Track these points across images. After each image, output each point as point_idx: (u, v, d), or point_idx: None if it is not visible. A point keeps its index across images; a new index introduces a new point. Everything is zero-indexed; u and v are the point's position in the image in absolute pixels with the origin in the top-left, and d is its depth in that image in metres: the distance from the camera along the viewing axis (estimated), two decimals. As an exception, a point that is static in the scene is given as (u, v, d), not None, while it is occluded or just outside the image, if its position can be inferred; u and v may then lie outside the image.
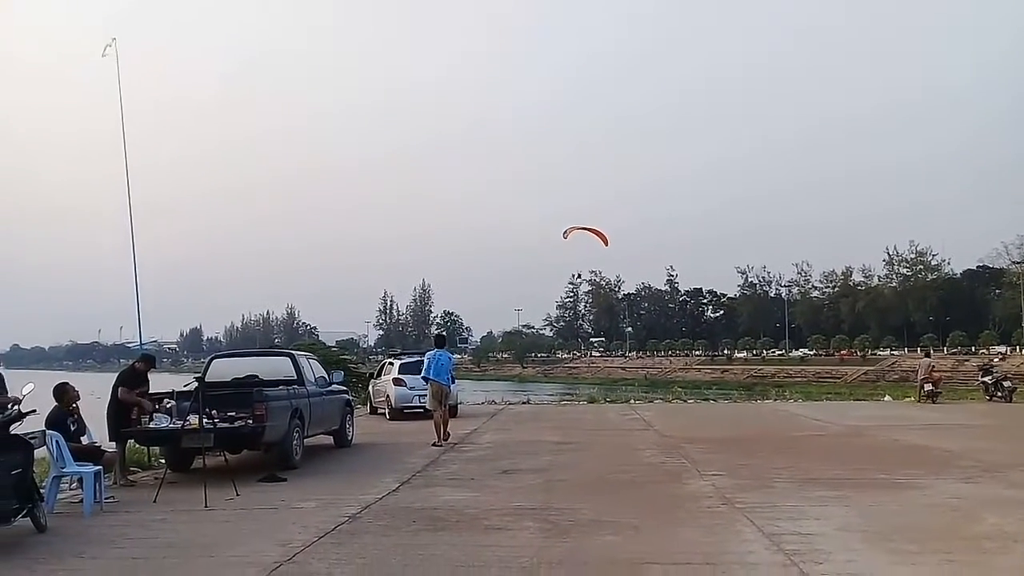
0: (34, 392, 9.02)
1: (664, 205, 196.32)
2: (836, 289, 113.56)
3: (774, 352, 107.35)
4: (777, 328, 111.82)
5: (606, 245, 26.70)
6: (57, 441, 9.08)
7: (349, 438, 15.00)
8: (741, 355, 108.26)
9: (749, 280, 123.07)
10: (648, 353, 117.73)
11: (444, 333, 20.10)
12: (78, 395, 10.28)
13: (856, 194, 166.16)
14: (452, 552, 6.73)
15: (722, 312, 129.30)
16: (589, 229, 26.14)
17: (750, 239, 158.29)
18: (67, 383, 10.33)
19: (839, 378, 79.25)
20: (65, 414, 9.87)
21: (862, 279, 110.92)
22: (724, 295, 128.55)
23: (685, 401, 30.44)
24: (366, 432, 16.87)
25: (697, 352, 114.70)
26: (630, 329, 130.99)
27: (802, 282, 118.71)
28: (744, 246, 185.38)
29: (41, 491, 8.33)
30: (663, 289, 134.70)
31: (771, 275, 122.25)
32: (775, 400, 29.85)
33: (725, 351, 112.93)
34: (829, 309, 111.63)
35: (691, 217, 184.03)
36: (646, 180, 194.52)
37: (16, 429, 8.07)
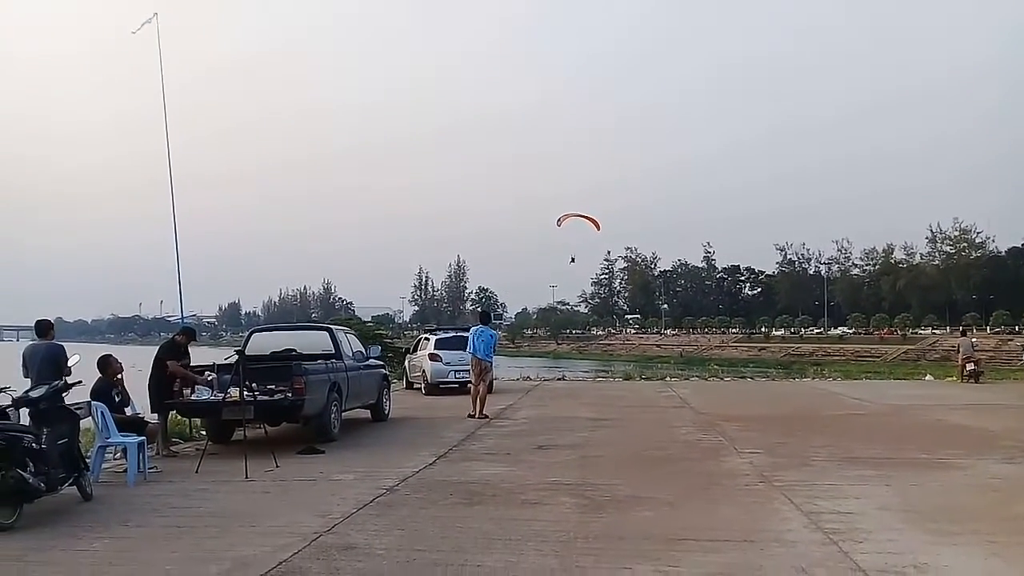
0: (79, 363, 9.23)
1: (701, 181, 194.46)
2: (877, 267, 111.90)
3: (812, 330, 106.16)
4: (816, 306, 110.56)
5: (598, 230, 26.55)
6: (102, 412, 9.26)
7: (386, 412, 15.13)
8: (779, 333, 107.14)
9: (788, 257, 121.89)
10: (684, 331, 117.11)
11: (488, 311, 20.31)
12: (121, 367, 10.46)
13: (900, 170, 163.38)
14: (489, 525, 6.77)
15: (760, 289, 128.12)
16: (582, 215, 25.99)
17: (789, 216, 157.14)
18: (110, 355, 10.52)
19: (879, 357, 78.05)
20: (109, 385, 10.06)
21: (904, 257, 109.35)
22: (762, 272, 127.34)
23: (721, 379, 30.25)
24: (402, 406, 17.01)
25: (734, 330, 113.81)
26: (666, 306, 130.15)
27: (842, 259, 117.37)
28: (783, 223, 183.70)
29: (87, 460, 8.52)
30: (700, 266, 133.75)
31: (810, 252, 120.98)
32: (813, 378, 29.56)
33: (762, 329, 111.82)
34: (869, 287, 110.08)
35: (729, 193, 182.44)
36: (682, 155, 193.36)
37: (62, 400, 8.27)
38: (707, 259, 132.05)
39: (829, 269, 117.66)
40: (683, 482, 8.72)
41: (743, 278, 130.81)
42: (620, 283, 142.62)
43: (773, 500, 7.74)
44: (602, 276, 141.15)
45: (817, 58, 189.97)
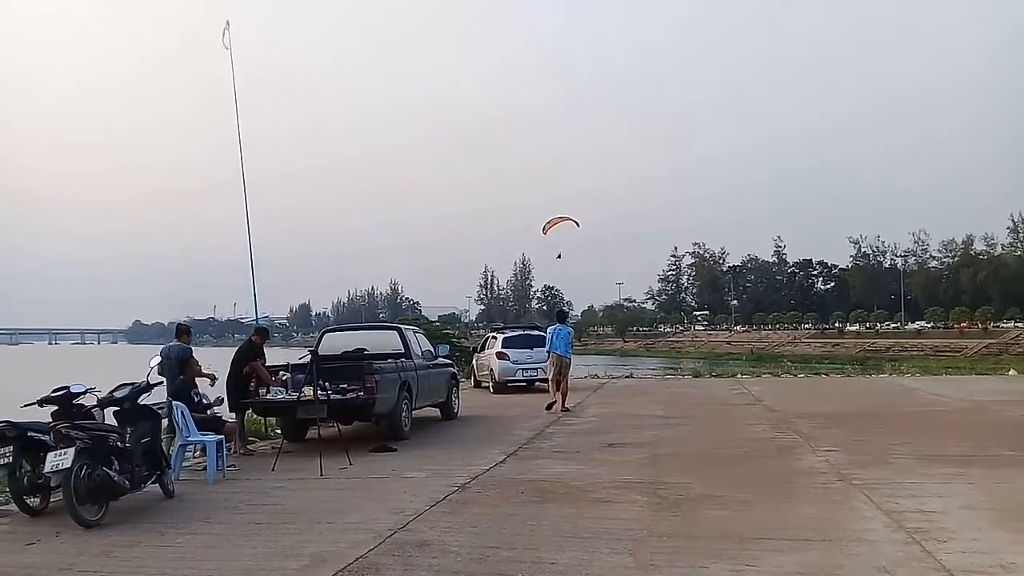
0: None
1: (771, 172, 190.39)
2: (956, 259, 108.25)
3: (889, 325, 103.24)
4: (892, 300, 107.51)
5: (577, 226, 26.15)
6: (182, 411, 9.53)
7: (455, 411, 15.24)
8: (853, 328, 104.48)
9: (862, 250, 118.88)
10: (755, 327, 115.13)
11: (564, 310, 20.65)
12: (200, 369, 10.75)
13: (979, 156, 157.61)
14: (561, 523, 6.76)
15: (833, 284, 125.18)
16: (559, 218, 25.62)
17: (863, 207, 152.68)
18: (192, 356, 10.79)
19: (959, 351, 75.46)
20: (189, 385, 10.34)
21: (984, 248, 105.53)
22: (835, 266, 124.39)
23: (795, 375, 29.60)
24: (471, 405, 17.08)
25: (807, 325, 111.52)
26: (735, 302, 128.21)
27: (919, 252, 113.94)
28: (857, 215, 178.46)
29: (168, 459, 8.78)
30: (770, 261, 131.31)
31: (885, 245, 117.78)
32: (891, 374, 28.70)
33: (836, 324, 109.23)
34: (948, 280, 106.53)
35: (800, 186, 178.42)
36: (752, 143, 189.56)
37: (144, 400, 8.54)
38: (778, 253, 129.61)
39: (905, 262, 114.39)
40: (758, 480, 8.56)
41: (815, 272, 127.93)
42: (688, 279, 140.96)
43: (852, 499, 7.55)
44: (669, 272, 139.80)
45: (893, 34, 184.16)
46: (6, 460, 7.38)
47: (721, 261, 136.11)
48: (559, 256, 21.83)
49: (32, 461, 7.45)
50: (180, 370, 10.59)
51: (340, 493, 8.48)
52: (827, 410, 15.38)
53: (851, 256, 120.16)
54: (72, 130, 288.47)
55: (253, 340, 12.13)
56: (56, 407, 8.14)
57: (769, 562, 5.54)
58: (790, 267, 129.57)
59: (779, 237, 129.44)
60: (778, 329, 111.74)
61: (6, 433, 7.46)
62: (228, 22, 15.26)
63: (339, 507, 7.72)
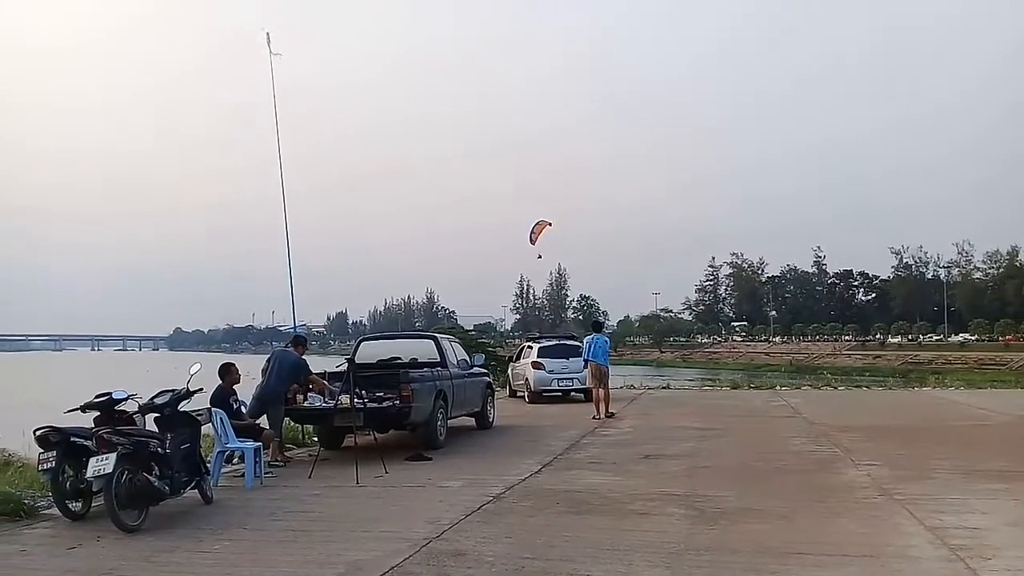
0: (200, 372, 9.61)
1: (810, 182, 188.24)
2: (1001, 270, 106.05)
3: (931, 337, 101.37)
4: (935, 312, 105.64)
5: (551, 224, 25.92)
6: (221, 418, 9.63)
7: (490, 420, 15.24)
8: (895, 340, 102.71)
9: (904, 261, 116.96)
10: (794, 338, 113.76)
11: (600, 320, 20.71)
12: (239, 378, 10.85)
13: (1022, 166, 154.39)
14: (597, 535, 6.70)
15: (874, 295, 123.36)
16: (540, 225, 25.38)
17: (904, 217, 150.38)
18: (232, 363, 10.92)
19: (1004, 364, 73.83)
20: (228, 392, 10.45)
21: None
22: (876, 277, 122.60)
23: (835, 388, 29.16)
24: (506, 414, 17.07)
25: (847, 337, 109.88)
26: (774, 313, 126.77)
27: (963, 263, 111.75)
28: (898, 225, 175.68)
29: (207, 465, 8.87)
30: (810, 271, 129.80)
31: (928, 255, 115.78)
32: (933, 387, 28.16)
33: (877, 336, 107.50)
34: (993, 291, 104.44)
35: (840, 195, 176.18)
36: (791, 153, 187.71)
37: (184, 406, 8.64)
38: (817, 264, 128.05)
39: (949, 273, 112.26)
40: (797, 494, 8.43)
41: (856, 283, 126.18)
42: (726, 289, 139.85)
43: (894, 514, 7.41)
44: (707, 283, 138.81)
45: (933, 46, 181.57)
46: (50, 465, 7.51)
47: (759, 271, 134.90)
48: (540, 257, 21.76)
49: (75, 466, 7.57)
50: (297, 378, 11.28)
51: (376, 501, 8.51)
52: (868, 423, 15.14)
53: (892, 267, 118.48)
54: (118, 140, 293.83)
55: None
56: (98, 413, 8.28)
57: (808, 578, 5.45)
58: (830, 278, 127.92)
59: (819, 247, 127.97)
60: (818, 341, 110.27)
61: (50, 438, 7.60)
62: (268, 34, 15.45)
63: (375, 515, 7.75)
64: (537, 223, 23.97)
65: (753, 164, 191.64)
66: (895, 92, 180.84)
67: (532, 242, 20.45)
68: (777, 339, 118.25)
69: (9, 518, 7.70)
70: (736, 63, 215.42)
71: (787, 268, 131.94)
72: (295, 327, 14.28)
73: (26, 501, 8.04)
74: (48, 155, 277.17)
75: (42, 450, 7.62)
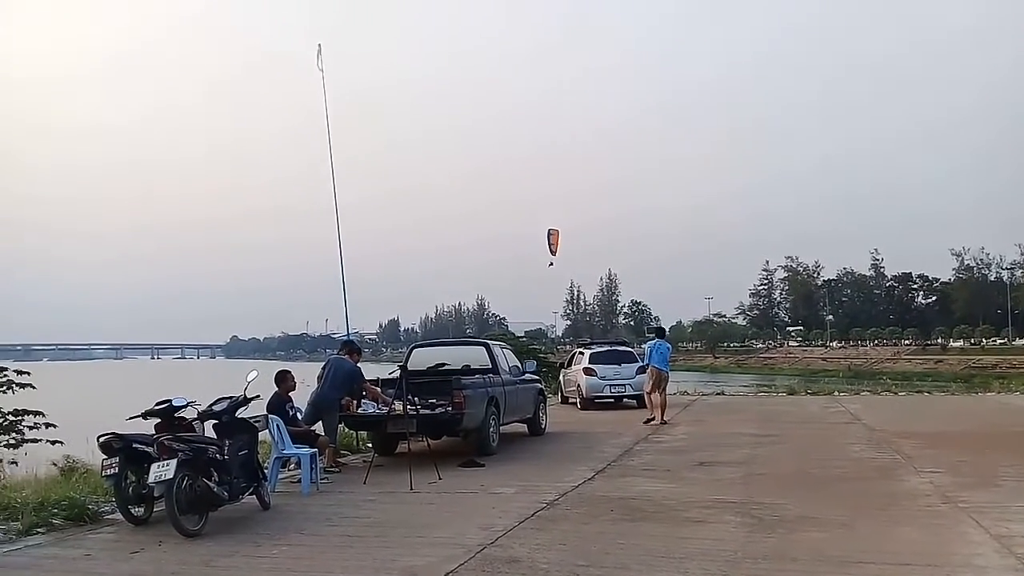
0: (257, 379, 9.77)
1: (867, 183, 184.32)
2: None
3: (995, 341, 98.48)
4: (998, 315, 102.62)
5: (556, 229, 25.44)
6: (278, 424, 9.76)
7: (542, 426, 15.20)
8: (957, 344, 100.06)
9: (965, 263, 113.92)
10: (851, 343, 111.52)
11: (662, 326, 20.74)
12: (295, 385, 10.99)
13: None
14: (652, 542, 6.64)
15: (935, 298, 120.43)
16: (553, 235, 24.88)
17: (965, 218, 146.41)
18: (289, 371, 11.06)
19: (1073, 369, 71.41)
20: (284, 399, 10.59)
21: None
22: (936, 280, 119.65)
23: (895, 393, 28.50)
24: (558, 421, 17.02)
25: (907, 341, 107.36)
26: (831, 317, 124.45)
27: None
28: (958, 226, 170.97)
29: (264, 471, 9.00)
30: (867, 274, 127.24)
31: (990, 257, 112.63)
32: (998, 392, 27.36)
33: (939, 340, 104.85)
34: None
35: (898, 196, 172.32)
36: (846, 154, 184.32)
37: (241, 413, 8.78)
38: (875, 267, 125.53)
39: (1012, 275, 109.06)
40: (857, 502, 8.24)
41: (915, 286, 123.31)
42: (780, 294, 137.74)
43: (959, 522, 7.20)
44: (761, 287, 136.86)
45: (992, 36, 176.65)
46: (113, 471, 7.69)
47: (815, 275, 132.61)
48: (551, 264, 21.47)
49: (137, 472, 7.73)
50: (351, 385, 11.38)
51: (430, 507, 8.54)
52: (930, 429, 14.76)
53: (953, 269, 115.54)
54: (169, 152, 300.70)
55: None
56: (159, 420, 8.46)
57: (871, 587, 5.33)
58: (888, 281, 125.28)
59: (876, 250, 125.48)
60: (876, 345, 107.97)
61: (113, 444, 7.78)
62: (320, 46, 15.67)
63: (429, 521, 7.77)
64: (551, 232, 23.80)
65: (807, 167, 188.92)
66: (952, 90, 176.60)
67: (553, 252, 20.32)
68: (834, 344, 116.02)
69: (74, 523, 7.90)
70: (790, 62, 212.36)
71: (844, 271, 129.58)
72: (348, 334, 14.40)
73: (90, 506, 8.22)
74: (97, 170, 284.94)
75: (105, 456, 7.80)
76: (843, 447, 12.62)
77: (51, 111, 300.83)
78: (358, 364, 11.82)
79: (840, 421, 16.85)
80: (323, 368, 11.73)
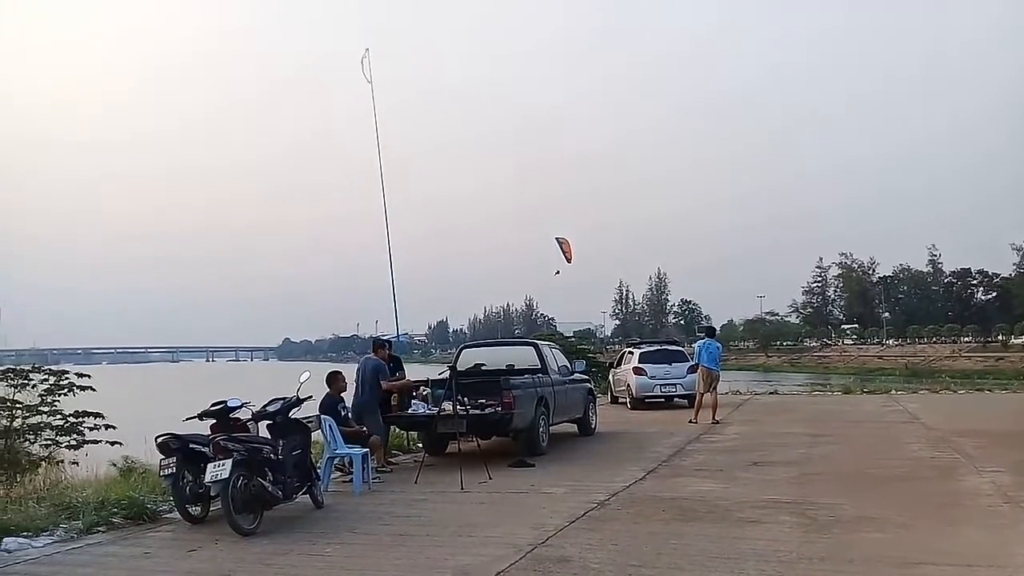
0: (309, 380, 9.89)
1: (922, 177, 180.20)
2: None
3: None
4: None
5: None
6: (330, 425, 9.87)
7: (592, 426, 15.14)
8: (1018, 341, 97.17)
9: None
10: (908, 340, 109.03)
11: (713, 326, 20.55)
12: (345, 385, 11.09)
13: None
14: (705, 543, 6.56)
15: (995, 294, 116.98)
16: (565, 244, 24.18)
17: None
18: (339, 372, 11.16)
19: None
20: (336, 400, 10.70)
21: None
22: (997, 275, 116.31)
23: (954, 391, 27.81)
24: (608, 421, 16.94)
25: (966, 339, 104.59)
26: (887, 315, 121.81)
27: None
28: (1019, 220, 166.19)
29: (317, 471, 9.11)
30: (924, 270, 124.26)
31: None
32: (1064, 390, 26.54)
33: (999, 337, 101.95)
34: None
35: (954, 190, 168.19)
36: (900, 147, 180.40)
37: (295, 414, 8.89)
38: (932, 262, 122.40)
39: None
40: (916, 502, 8.07)
41: (975, 282, 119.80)
42: (835, 291, 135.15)
43: (1021, 522, 7.02)
44: (814, 284, 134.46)
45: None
46: (170, 470, 7.86)
47: (871, 272, 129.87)
48: (558, 272, 21.11)
49: (193, 471, 7.89)
50: (377, 382, 11.33)
51: (480, 507, 8.56)
52: (991, 428, 14.36)
53: (1015, 264, 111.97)
54: (221, 155, 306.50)
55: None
56: (214, 420, 8.61)
57: (932, 589, 5.20)
58: (946, 277, 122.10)
59: (933, 245, 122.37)
60: (934, 343, 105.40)
61: (170, 445, 7.95)
62: (368, 50, 15.79)
63: (479, 521, 7.79)
64: (561, 240, 23.51)
65: (860, 162, 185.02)
66: (1009, 77, 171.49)
67: (568, 260, 20.13)
68: (891, 342, 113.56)
69: (133, 522, 8.09)
70: (841, 58, 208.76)
71: (900, 268, 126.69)
72: (397, 336, 14.50)
73: (149, 506, 8.41)
74: (157, 177, 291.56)
75: (163, 456, 7.98)
76: (901, 446, 12.35)
77: (109, 122, 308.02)
78: (384, 359, 11.85)
79: (898, 420, 16.50)
80: (356, 371, 11.75)
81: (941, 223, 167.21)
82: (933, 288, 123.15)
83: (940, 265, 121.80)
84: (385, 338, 13.29)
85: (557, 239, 20.93)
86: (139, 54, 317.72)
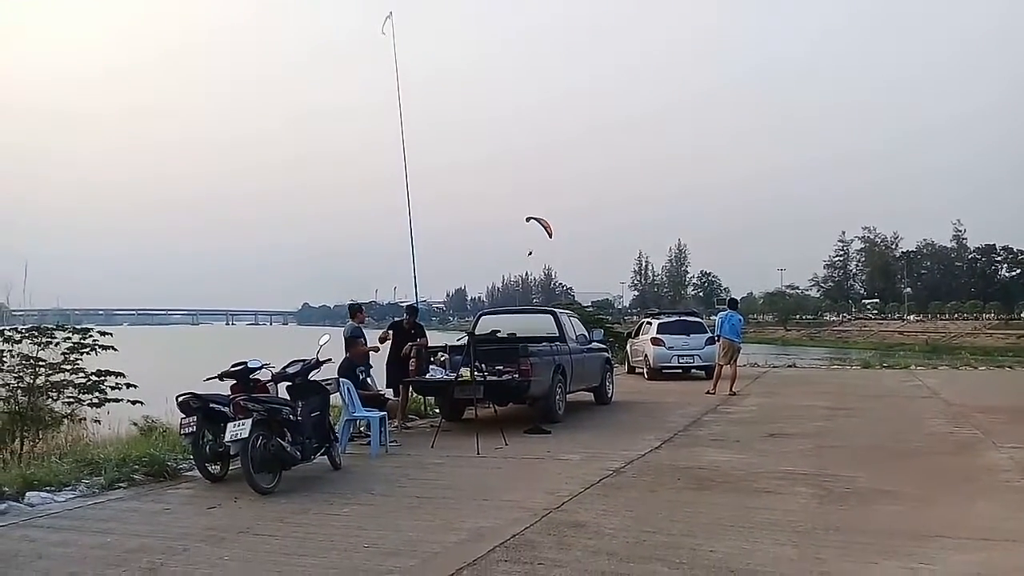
0: (328, 343, 9.95)
1: (948, 154, 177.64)
2: None
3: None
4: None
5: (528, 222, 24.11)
6: (348, 388, 9.94)
7: (609, 395, 15.16)
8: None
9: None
10: (930, 316, 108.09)
11: (735, 297, 20.26)
12: (365, 349, 11.14)
13: None
14: (720, 511, 6.57)
15: (1020, 271, 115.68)
16: (543, 222, 23.66)
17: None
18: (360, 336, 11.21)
19: None
20: (354, 364, 10.76)
21: None
22: (1021, 252, 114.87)
23: (975, 368, 27.58)
24: (625, 391, 16.96)
25: (988, 315, 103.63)
26: (909, 290, 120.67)
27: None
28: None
29: (335, 433, 9.19)
30: (948, 246, 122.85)
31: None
32: (1086, 369, 26.26)
33: (1022, 314, 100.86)
34: None
35: (981, 166, 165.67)
36: (927, 125, 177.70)
37: (314, 376, 8.97)
38: (957, 238, 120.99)
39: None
40: (934, 476, 8.04)
41: (999, 258, 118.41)
42: (856, 265, 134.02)
43: (1041, 499, 6.96)
44: (836, 258, 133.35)
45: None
46: (190, 429, 7.96)
47: (894, 247, 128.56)
48: (530, 253, 20.77)
49: (213, 431, 7.99)
50: (346, 347, 11.03)
51: (496, 472, 8.62)
52: (1012, 405, 14.25)
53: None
54: (244, 124, 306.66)
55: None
56: (234, 381, 8.69)
57: (946, 561, 5.19)
58: (971, 253, 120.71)
59: (958, 220, 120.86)
60: (956, 319, 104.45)
61: (191, 404, 8.05)
62: (391, 12, 15.62)
63: (495, 485, 7.85)
64: (540, 220, 23.17)
65: (884, 139, 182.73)
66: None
67: (550, 236, 19.93)
68: (912, 317, 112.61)
69: (154, 479, 8.22)
70: (868, 38, 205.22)
71: (923, 243, 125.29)
72: (416, 302, 14.50)
73: (169, 463, 8.54)
74: (175, 145, 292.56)
75: (183, 415, 8.07)
76: (920, 421, 12.28)
77: (133, 91, 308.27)
78: (359, 324, 11.58)
79: (917, 395, 16.40)
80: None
81: (967, 199, 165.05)
82: (957, 264, 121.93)
83: (964, 241, 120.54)
84: (404, 304, 13.20)
85: (534, 218, 20.56)
86: (164, 28, 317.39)
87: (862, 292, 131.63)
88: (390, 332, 12.38)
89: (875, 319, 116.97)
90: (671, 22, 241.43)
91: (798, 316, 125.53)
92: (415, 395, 13.11)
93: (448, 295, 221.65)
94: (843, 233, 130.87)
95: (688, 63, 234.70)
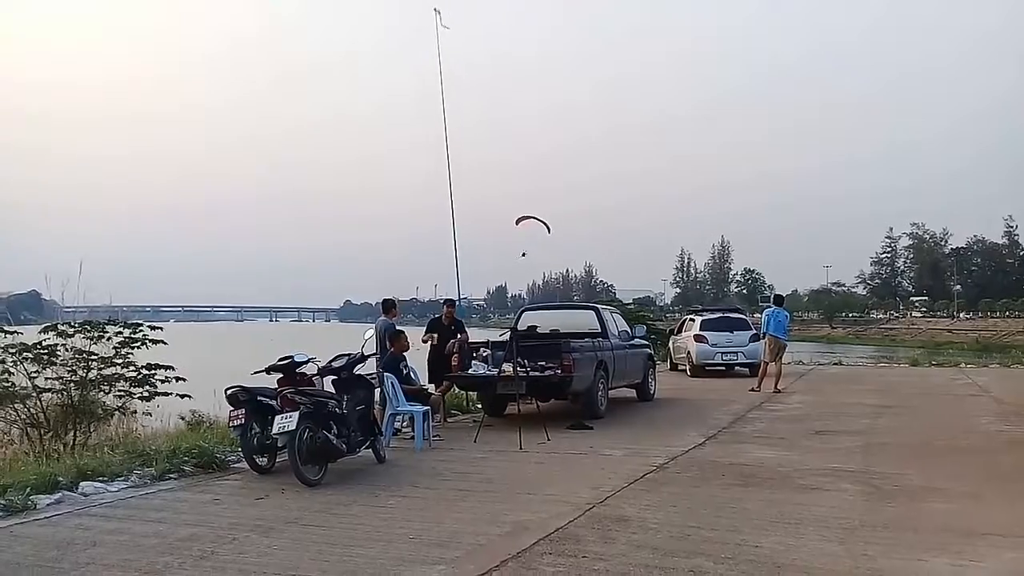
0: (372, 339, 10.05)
1: (1000, 148, 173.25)
2: None
3: None
4: None
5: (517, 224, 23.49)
6: (392, 382, 10.04)
7: (651, 392, 15.10)
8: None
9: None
10: (980, 314, 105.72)
11: (781, 294, 19.97)
12: (408, 345, 11.24)
13: None
14: (765, 508, 6.52)
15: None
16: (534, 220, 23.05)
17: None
18: (402, 331, 11.32)
19: None
20: (398, 358, 10.85)
21: None
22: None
23: (1027, 366, 26.94)
24: (668, 387, 16.87)
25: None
26: (958, 287, 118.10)
27: None
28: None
29: (380, 426, 9.28)
30: (1000, 243, 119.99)
31: None
32: None
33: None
34: None
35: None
36: (977, 117, 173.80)
37: (359, 370, 9.07)
38: (1008, 235, 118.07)
39: None
40: (985, 474, 7.89)
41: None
42: (904, 262, 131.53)
43: (1097, 499, 6.80)
44: (883, 255, 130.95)
45: None
46: (239, 421, 8.09)
47: (943, 243, 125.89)
48: (523, 255, 20.42)
49: (261, 423, 8.12)
50: (387, 343, 11.12)
51: (539, 467, 8.64)
52: (1067, 404, 13.90)
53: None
54: (281, 125, 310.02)
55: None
56: (281, 374, 8.82)
57: (996, 559, 5.11)
58: (1022, 250, 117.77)
59: (1010, 217, 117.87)
60: (1008, 317, 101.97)
61: (239, 397, 8.19)
62: (437, 10, 15.65)
63: (538, 480, 7.87)
64: (537, 218, 22.82)
65: (936, 133, 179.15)
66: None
67: (548, 230, 19.72)
68: (961, 315, 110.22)
69: (203, 470, 8.38)
70: (916, 30, 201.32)
71: (974, 239, 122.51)
72: (459, 299, 14.53)
73: (218, 455, 8.70)
74: (225, 144, 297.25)
75: (232, 408, 8.22)
76: (969, 419, 12.05)
77: (162, 97, 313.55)
78: (392, 319, 11.84)
79: (967, 393, 16.10)
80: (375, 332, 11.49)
81: (1019, 195, 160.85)
82: (1008, 261, 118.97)
83: (1016, 237, 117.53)
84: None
85: (528, 217, 20.31)
86: (199, 30, 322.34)
87: (910, 289, 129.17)
88: (434, 335, 12.46)
89: (923, 317, 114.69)
90: (720, 14, 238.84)
91: (844, 314, 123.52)
92: (456, 390, 13.18)
93: (489, 292, 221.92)
94: (891, 230, 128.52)
95: (737, 55, 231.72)
